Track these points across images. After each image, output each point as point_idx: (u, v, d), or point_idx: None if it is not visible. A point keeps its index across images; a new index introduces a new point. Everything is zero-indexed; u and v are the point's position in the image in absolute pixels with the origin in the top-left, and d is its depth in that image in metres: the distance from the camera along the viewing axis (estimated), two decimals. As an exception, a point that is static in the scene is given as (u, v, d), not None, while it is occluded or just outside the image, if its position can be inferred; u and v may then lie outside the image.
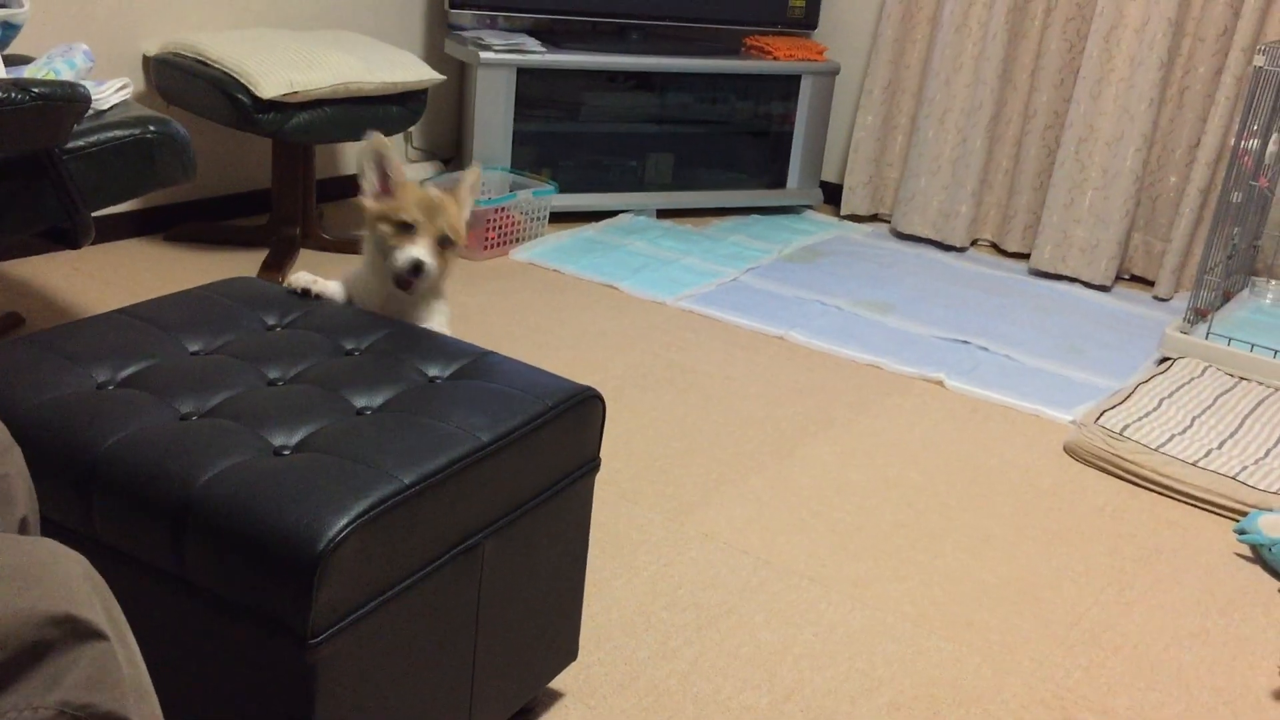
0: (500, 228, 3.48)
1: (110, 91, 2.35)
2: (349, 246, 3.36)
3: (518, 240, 3.56)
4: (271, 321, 1.59)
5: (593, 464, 1.51)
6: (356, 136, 3.10)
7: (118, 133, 2.20)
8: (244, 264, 3.16)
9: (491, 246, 3.46)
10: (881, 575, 2.05)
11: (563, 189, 3.73)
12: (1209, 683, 1.85)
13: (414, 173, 3.92)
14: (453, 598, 1.31)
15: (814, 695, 1.72)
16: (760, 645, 1.82)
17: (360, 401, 1.38)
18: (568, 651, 1.59)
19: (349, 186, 3.87)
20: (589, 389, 1.48)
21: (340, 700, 1.18)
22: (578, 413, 1.46)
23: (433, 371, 1.48)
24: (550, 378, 1.49)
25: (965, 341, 3.17)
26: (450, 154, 4.14)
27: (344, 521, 1.13)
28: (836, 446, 2.52)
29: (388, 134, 1.74)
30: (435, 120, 4.07)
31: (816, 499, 2.29)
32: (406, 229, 1.65)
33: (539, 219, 3.63)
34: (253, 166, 3.53)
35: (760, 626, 1.87)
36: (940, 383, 2.90)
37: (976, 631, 1.92)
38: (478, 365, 1.50)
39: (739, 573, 2.01)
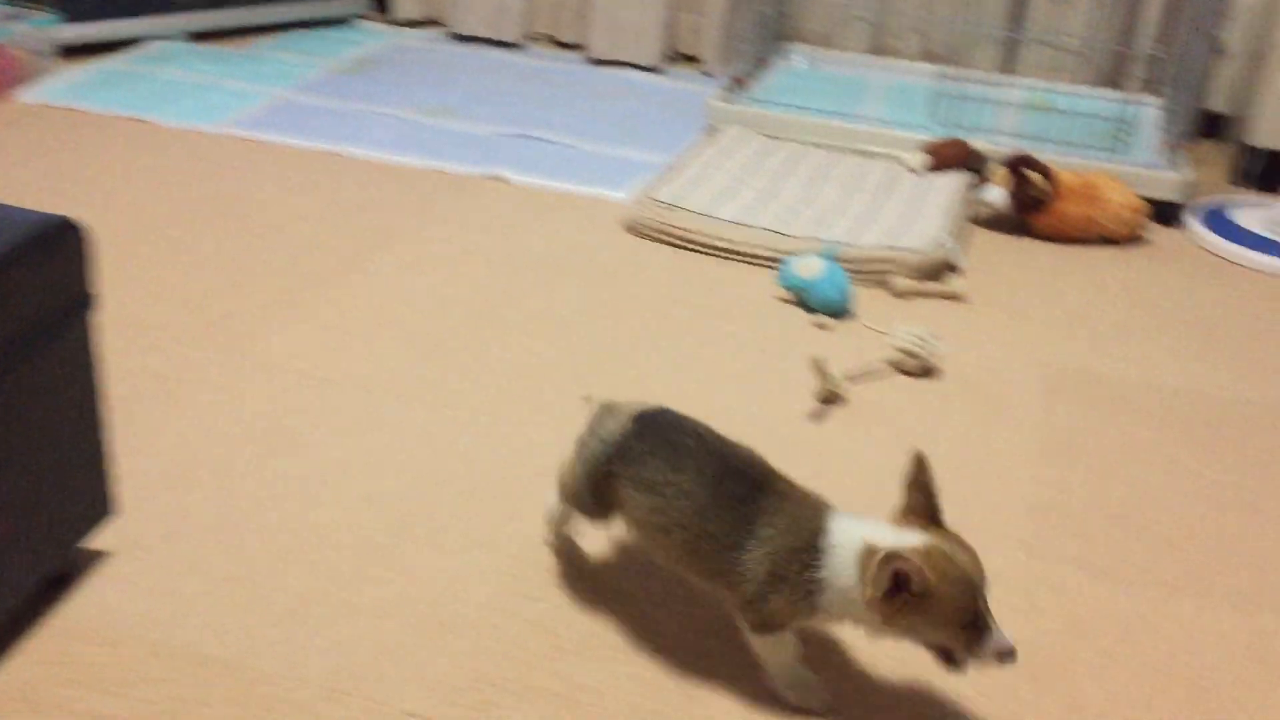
0: (-2, 68, 3.05)
1: None
2: None
3: (21, 80, 3.14)
4: None
5: (82, 303, 1.37)
6: None
7: None
8: None
9: (-9, 91, 3.04)
10: (450, 375, 2.04)
11: (73, 18, 3.31)
12: (755, 413, 2.00)
13: None
14: (-76, 472, 1.16)
15: (388, 499, 1.70)
16: (328, 463, 1.77)
17: None
18: (100, 508, 1.46)
19: None
20: (60, 217, 1.32)
21: None
22: (49, 247, 1.30)
23: None
24: (11, 210, 1.31)
25: (526, 136, 3.16)
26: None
27: None
28: (401, 256, 2.46)
29: None
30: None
31: (383, 312, 2.23)
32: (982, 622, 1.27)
33: (45, 54, 3.21)
34: None
35: (327, 445, 1.81)
36: (503, 179, 2.88)
37: (546, 412, 1.96)
38: (-80, 209, 1.29)
39: (301, 396, 1.94)
